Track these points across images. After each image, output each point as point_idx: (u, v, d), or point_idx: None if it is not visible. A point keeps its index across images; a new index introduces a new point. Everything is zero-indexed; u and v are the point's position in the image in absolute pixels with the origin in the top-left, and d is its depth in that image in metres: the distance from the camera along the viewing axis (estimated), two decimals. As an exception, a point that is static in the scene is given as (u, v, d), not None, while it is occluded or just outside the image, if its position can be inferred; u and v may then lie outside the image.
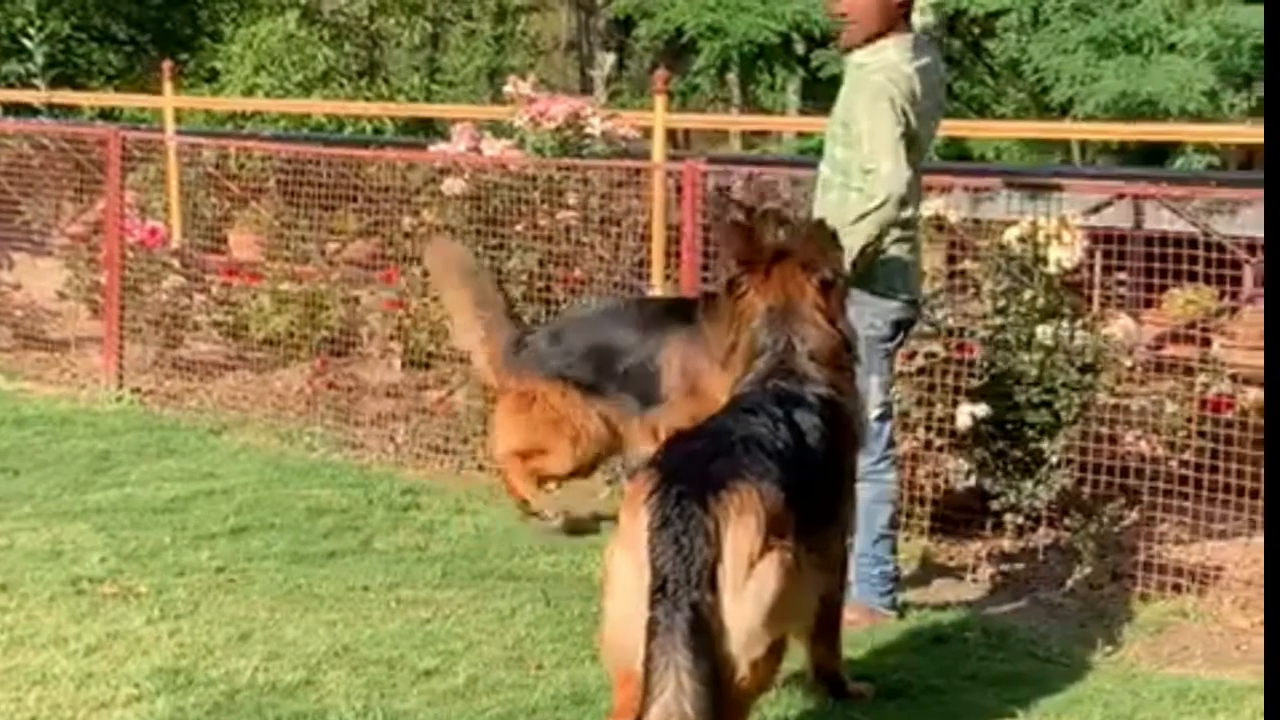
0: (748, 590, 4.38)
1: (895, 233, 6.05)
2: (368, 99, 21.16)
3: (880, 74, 6.03)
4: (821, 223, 5.40)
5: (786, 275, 5.04)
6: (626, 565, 4.47)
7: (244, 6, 24.00)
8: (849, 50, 6.28)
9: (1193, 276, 7.13)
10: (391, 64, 25.93)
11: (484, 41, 28.24)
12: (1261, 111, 20.10)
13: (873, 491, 6.01)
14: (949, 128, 14.04)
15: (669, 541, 4.34)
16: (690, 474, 4.49)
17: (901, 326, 6.24)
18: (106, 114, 19.64)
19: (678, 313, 7.10)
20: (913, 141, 6.03)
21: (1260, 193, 9.30)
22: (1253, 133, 17.56)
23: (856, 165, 6.05)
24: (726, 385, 5.17)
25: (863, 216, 5.92)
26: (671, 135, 12.26)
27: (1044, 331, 6.93)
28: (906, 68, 6.08)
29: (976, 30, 24.58)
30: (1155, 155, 20.19)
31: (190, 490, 7.72)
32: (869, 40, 6.13)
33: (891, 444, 6.29)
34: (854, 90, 6.10)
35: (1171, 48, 19.98)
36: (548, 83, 26.51)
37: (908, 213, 6.08)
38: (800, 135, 21.07)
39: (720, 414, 5.00)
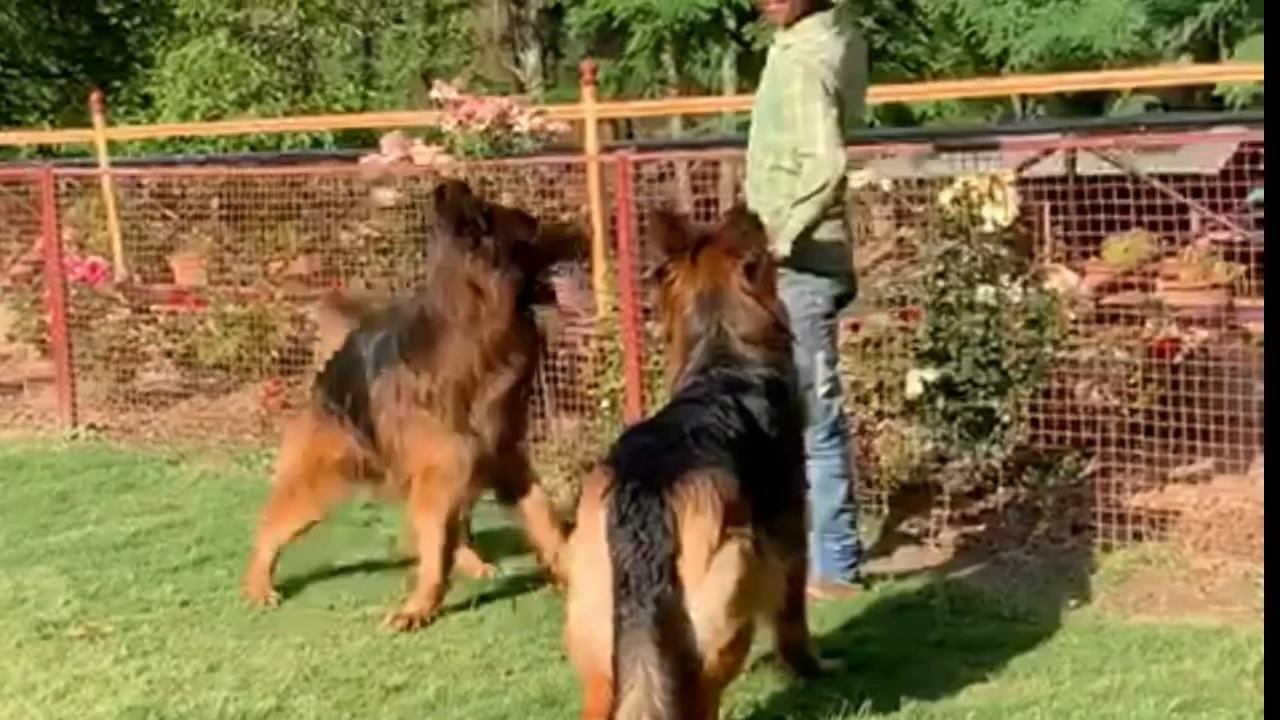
0: (709, 581, 4.41)
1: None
2: (305, 112, 21.10)
3: (810, 57, 6.04)
4: (743, 207, 5.42)
5: (712, 261, 5.05)
6: (588, 563, 4.49)
7: (172, 29, 23.91)
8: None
9: (1127, 225, 7.14)
10: (326, 74, 25.84)
11: (416, 43, 28.15)
12: (1195, 49, 20.20)
13: (827, 467, 6.04)
14: (888, 92, 14.07)
15: (628, 538, 4.37)
16: (645, 469, 4.50)
17: (841, 302, 6.27)
18: (45, 150, 19.53)
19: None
20: (842, 118, 6.05)
21: (1198, 135, 9.42)
22: (1180, 74, 17.64)
23: (789, 147, 6.07)
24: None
25: (803, 200, 5.96)
26: (613, 123, 12.22)
27: (986, 291, 6.93)
28: (834, 44, 6.10)
29: (907, -11, 24.60)
30: (1095, 102, 20.23)
31: (151, 524, 7.70)
32: (795, 20, 6.13)
33: (841, 418, 6.31)
34: (785, 74, 6.09)
35: (1101, -11, 20.04)
36: (483, 79, 26.51)
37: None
38: (740, 113, 21.05)
39: (670, 406, 5.03)
